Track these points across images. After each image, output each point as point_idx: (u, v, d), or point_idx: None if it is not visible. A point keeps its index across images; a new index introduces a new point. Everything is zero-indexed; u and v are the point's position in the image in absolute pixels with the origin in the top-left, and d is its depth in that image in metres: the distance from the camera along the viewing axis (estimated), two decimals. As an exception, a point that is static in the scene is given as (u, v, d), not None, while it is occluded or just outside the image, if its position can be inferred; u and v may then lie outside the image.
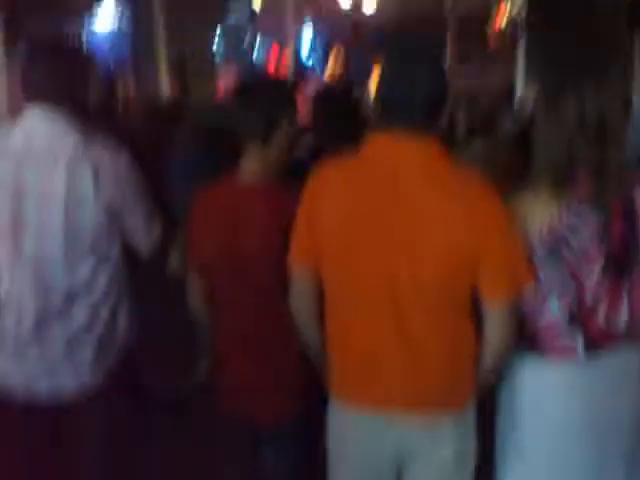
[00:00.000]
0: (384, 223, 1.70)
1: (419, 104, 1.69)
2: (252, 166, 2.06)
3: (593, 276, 1.80)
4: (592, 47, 17.61)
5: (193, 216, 2.13)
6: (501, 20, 12.82)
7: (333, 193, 1.77)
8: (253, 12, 9.43)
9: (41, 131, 1.98)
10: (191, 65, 11.82)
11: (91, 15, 13.05)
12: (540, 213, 1.82)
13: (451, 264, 1.68)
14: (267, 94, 2.06)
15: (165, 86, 8.24)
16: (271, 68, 11.99)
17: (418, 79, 1.69)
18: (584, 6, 16.48)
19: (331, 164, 1.83)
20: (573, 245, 1.79)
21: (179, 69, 11.26)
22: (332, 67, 13.60)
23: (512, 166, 3.00)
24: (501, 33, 13.03)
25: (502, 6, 12.60)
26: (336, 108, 2.82)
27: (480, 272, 1.70)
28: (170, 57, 8.52)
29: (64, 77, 1.99)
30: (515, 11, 12.62)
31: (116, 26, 12.89)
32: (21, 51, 2.05)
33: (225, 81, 12.31)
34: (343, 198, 1.75)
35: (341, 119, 2.79)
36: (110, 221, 2.04)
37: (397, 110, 1.71)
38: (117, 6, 12.50)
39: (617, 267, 1.79)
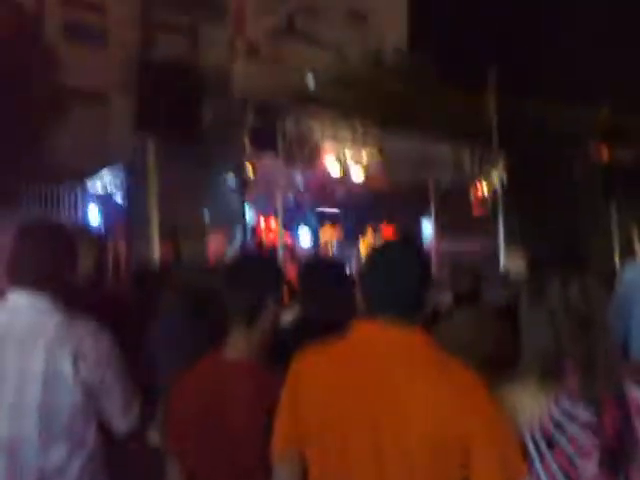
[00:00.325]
0: (368, 410, 1.66)
1: (403, 298, 1.73)
2: (237, 343, 2.04)
3: (589, 470, 1.71)
4: (570, 217, 18.42)
5: (173, 400, 2.05)
6: (483, 188, 13.48)
7: (317, 378, 1.74)
8: (245, 180, 9.88)
9: (23, 312, 1.97)
10: (182, 229, 12.21)
11: (89, 180, 13.71)
12: (529, 405, 1.76)
13: (437, 453, 1.61)
14: (254, 276, 2.08)
15: (157, 250, 8.41)
16: (261, 235, 12.37)
17: (401, 273, 1.73)
18: (559, 175, 17.53)
19: (315, 349, 1.81)
20: (565, 438, 1.72)
21: (171, 233, 11.62)
22: (325, 235, 14.11)
23: (499, 340, 2.99)
24: (484, 201, 13.64)
25: (480, 184, 13.29)
26: (324, 280, 2.85)
27: (471, 463, 1.63)
28: (162, 221, 8.79)
29: (48, 264, 2.02)
30: (496, 180, 13.35)
31: (112, 191, 13.48)
32: (13, 232, 2.09)
33: (215, 245, 12.66)
34: (327, 384, 1.72)
35: (328, 291, 2.80)
36: (87, 402, 1.97)
37: (381, 302, 1.74)
38: (113, 172, 13.16)
39: (613, 460, 1.72)
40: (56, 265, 2.04)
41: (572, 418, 1.72)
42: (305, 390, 1.75)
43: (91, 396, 1.96)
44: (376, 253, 1.85)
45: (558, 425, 1.73)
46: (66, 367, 1.91)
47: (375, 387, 1.65)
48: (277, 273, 2.18)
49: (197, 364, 2.05)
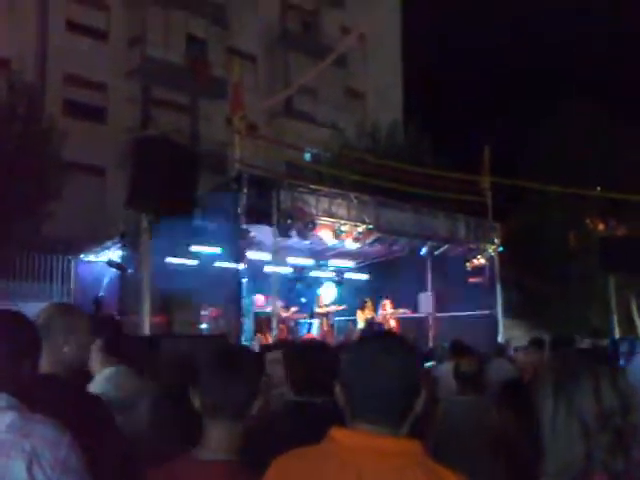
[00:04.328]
0: None
1: (389, 402, 1.53)
2: (219, 441, 1.85)
3: None
4: (568, 289, 18.25)
5: None
6: (479, 258, 13.44)
7: None
8: (242, 254, 9.85)
9: None
10: (175, 302, 12.07)
11: (84, 252, 13.65)
12: None
13: None
14: (247, 367, 1.94)
15: (147, 322, 8.28)
16: (258, 306, 12.24)
17: (388, 374, 1.54)
18: (557, 247, 17.50)
19: (292, 459, 1.61)
20: None
21: (164, 306, 11.47)
22: (322, 303, 13.99)
23: (503, 430, 2.82)
24: (480, 268, 13.58)
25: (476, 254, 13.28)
26: (312, 366, 2.72)
27: None
28: (155, 294, 8.68)
29: (4, 359, 1.86)
30: (492, 251, 13.33)
31: (106, 263, 13.40)
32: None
33: (208, 316, 12.49)
34: None
35: (317, 376, 2.67)
36: None
37: (364, 408, 1.55)
38: (108, 245, 13.11)
39: None
40: (14, 361, 1.87)
41: None
42: None
43: None
44: (359, 351, 1.63)
45: None
46: (18, 472, 1.72)
47: None
48: (261, 362, 2.05)
49: (169, 465, 1.87)
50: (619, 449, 1.49)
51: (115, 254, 12.31)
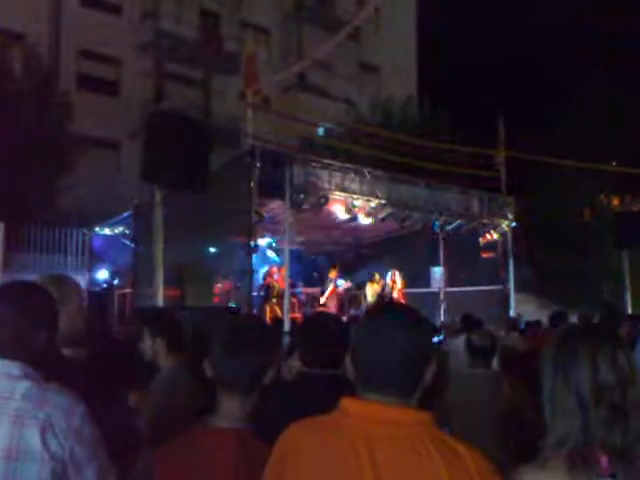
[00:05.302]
0: None
1: (400, 373, 1.55)
2: (231, 411, 1.89)
3: None
4: (582, 263, 18.15)
5: (157, 474, 1.90)
6: (492, 233, 13.39)
7: (302, 463, 1.55)
8: (254, 228, 9.88)
9: None
10: (188, 275, 12.18)
11: (97, 225, 13.79)
12: None
13: None
14: (259, 342, 1.97)
15: (161, 294, 8.37)
16: (268, 282, 12.34)
17: (398, 346, 1.54)
18: (571, 223, 17.41)
19: (302, 429, 1.62)
20: None
21: (177, 276, 11.58)
22: (333, 277, 14.03)
23: (516, 401, 2.85)
24: (493, 243, 13.53)
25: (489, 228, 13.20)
26: (321, 336, 2.75)
27: None
28: (168, 264, 8.74)
29: (21, 330, 1.88)
30: (505, 226, 13.27)
31: (120, 236, 13.55)
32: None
33: (221, 289, 12.62)
34: (313, 469, 1.53)
35: (326, 346, 2.70)
36: None
37: (375, 378, 1.56)
38: (121, 218, 13.23)
39: None
40: (30, 330, 1.91)
41: None
42: (288, 474, 1.56)
43: (60, 475, 1.79)
44: (369, 321, 1.65)
45: None
46: (33, 440, 1.71)
47: (366, 474, 1.46)
48: (278, 336, 2.08)
49: (184, 434, 1.91)
50: (616, 424, 1.50)
51: (128, 226, 12.43)
